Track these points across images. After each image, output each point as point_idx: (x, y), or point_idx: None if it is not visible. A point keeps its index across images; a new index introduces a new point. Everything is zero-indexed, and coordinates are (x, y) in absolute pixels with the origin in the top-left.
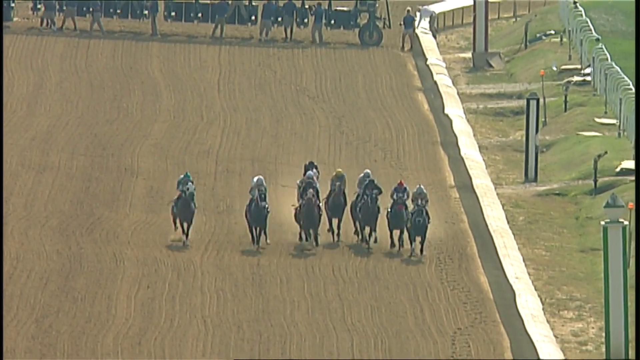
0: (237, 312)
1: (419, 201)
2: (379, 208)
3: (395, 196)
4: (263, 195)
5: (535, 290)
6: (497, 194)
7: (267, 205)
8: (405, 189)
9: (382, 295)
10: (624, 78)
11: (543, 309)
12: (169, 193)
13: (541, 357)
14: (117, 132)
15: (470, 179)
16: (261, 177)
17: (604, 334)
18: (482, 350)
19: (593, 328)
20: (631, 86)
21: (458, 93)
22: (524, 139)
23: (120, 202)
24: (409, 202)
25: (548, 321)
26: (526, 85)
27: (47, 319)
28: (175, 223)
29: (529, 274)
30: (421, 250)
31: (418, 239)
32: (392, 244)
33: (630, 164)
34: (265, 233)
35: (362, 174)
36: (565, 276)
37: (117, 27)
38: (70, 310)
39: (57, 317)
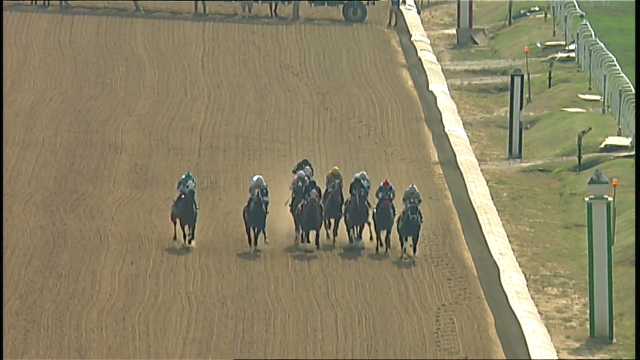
0: (221, 288)
1: (411, 201)
2: (367, 207)
3: (379, 195)
4: (265, 191)
5: (520, 266)
6: (481, 170)
7: (267, 206)
8: (390, 187)
9: (366, 271)
10: (608, 54)
11: (527, 285)
12: (153, 169)
13: (525, 334)
14: (101, 108)
15: (455, 155)
16: (261, 176)
17: (588, 310)
18: (466, 326)
19: (577, 304)
20: (615, 62)
21: (442, 69)
22: (508, 115)
23: (104, 178)
24: (398, 203)
25: (532, 297)
26: (510, 62)
27: (31, 295)
28: (175, 226)
29: (513, 250)
30: (414, 250)
31: (410, 238)
32: (380, 244)
33: (614, 140)
34: (264, 232)
35: (357, 174)
36: (549, 252)
37: (100, 4)
38: (54, 287)
39: (41, 293)
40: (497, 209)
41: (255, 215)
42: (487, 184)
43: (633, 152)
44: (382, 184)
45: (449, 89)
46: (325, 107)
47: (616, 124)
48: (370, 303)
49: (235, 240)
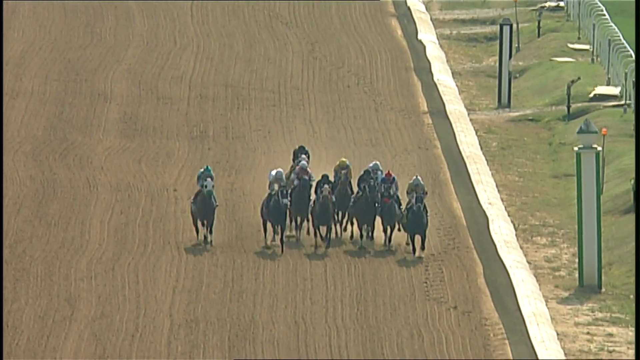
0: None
1: (416, 193)
2: (375, 202)
3: (382, 188)
4: (284, 191)
5: (509, 216)
6: (470, 119)
7: (288, 203)
8: (393, 179)
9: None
10: (597, 3)
11: (516, 235)
12: (142, 118)
13: (514, 283)
14: (91, 58)
15: (444, 104)
16: (280, 170)
17: (577, 260)
18: (455, 276)
19: (566, 254)
20: (605, 12)
21: (431, 19)
22: (497, 64)
23: (93, 127)
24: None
25: (521, 247)
26: (499, 11)
27: (21, 244)
28: (195, 225)
29: (502, 199)
30: (422, 248)
31: (417, 237)
32: (386, 242)
33: (603, 89)
34: (283, 228)
35: (370, 164)
36: (538, 202)
37: None
38: (43, 236)
39: (30, 243)
40: (486, 159)
41: (277, 213)
42: (476, 133)
43: (622, 102)
44: (384, 175)
45: (438, 39)
46: (315, 57)
47: (605, 74)
48: (360, 253)
49: (225, 189)
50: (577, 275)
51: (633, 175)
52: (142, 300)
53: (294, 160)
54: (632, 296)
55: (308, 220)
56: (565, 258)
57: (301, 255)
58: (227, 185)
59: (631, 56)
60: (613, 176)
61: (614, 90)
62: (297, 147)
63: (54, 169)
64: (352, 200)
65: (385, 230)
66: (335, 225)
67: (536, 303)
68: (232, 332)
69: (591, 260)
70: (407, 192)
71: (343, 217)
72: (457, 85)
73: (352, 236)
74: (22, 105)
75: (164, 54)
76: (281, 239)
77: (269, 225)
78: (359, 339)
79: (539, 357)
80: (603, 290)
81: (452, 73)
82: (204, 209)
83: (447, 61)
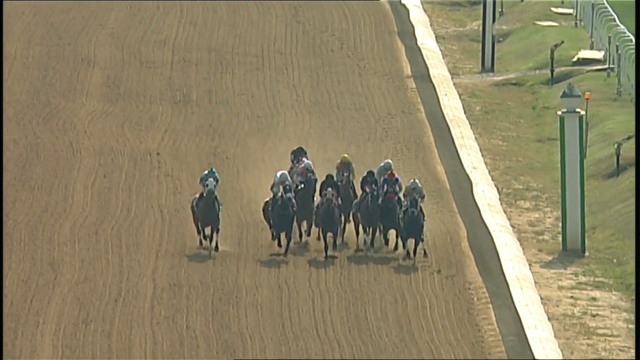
0: None
1: (413, 197)
2: (379, 206)
3: (384, 188)
4: (288, 187)
5: (492, 180)
6: (454, 83)
7: (293, 208)
8: (396, 180)
9: None
10: None
11: (500, 199)
12: (126, 83)
13: (497, 247)
14: (74, 22)
15: (427, 68)
16: (285, 172)
17: (560, 224)
18: (438, 240)
19: (550, 218)
20: None
21: None
22: (481, 28)
23: (77, 91)
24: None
25: (505, 211)
26: None
27: (4, 209)
28: (197, 227)
29: (485, 163)
30: (415, 252)
31: (412, 240)
32: (387, 243)
33: (586, 53)
34: (290, 236)
35: (383, 162)
36: (522, 166)
37: None
38: (27, 200)
39: (13, 207)
40: (470, 123)
41: (281, 219)
42: (460, 97)
43: (605, 66)
44: (386, 175)
45: (421, 2)
46: (298, 21)
47: (589, 38)
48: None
49: (208, 153)
50: (560, 239)
51: (616, 139)
52: (125, 264)
53: (292, 162)
54: (615, 260)
55: (313, 224)
56: (548, 222)
57: None
58: (210, 149)
59: (614, 20)
60: (596, 140)
61: (597, 54)
62: (295, 148)
63: (38, 133)
64: (354, 202)
65: (386, 234)
66: (342, 229)
67: (520, 267)
68: (216, 296)
69: (574, 224)
70: (404, 195)
71: (347, 221)
72: (440, 49)
73: (358, 247)
74: (5, 70)
75: (147, 18)
76: (287, 245)
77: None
78: (342, 303)
79: (523, 321)
80: (586, 254)
81: (436, 37)
82: (207, 214)
83: (431, 25)
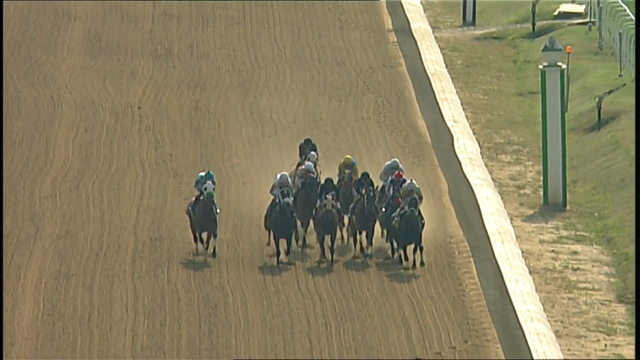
0: (174, 156)
1: (410, 199)
2: (377, 208)
3: (391, 191)
4: (285, 191)
5: (473, 134)
6: (435, 37)
7: (293, 213)
8: (404, 181)
9: (321, 139)
10: None
11: (481, 153)
12: (107, 36)
13: (479, 201)
14: None
15: (408, 22)
16: (285, 173)
17: (541, 178)
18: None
19: (531, 171)
20: None
21: None
22: None
23: (57, 45)
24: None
25: (486, 165)
26: None
27: None
28: (194, 233)
29: (467, 117)
30: (422, 262)
31: (410, 247)
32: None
33: (568, 7)
34: (290, 242)
35: (389, 161)
36: (503, 120)
37: None
38: (7, 154)
39: None
40: (451, 77)
41: (280, 223)
42: (441, 51)
43: (587, 19)
44: (393, 176)
45: None
46: None
47: None
48: (325, 171)
49: (190, 108)
50: (541, 193)
51: (597, 92)
52: (107, 218)
53: (300, 156)
54: (596, 214)
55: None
56: (530, 176)
57: (264, 168)
58: (191, 103)
59: None
60: (578, 94)
61: (579, 8)
62: (302, 140)
63: (18, 87)
64: (350, 206)
65: (391, 242)
66: (341, 231)
67: (501, 221)
68: (197, 250)
69: (556, 178)
70: (401, 197)
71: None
72: (421, 3)
73: (362, 248)
74: None
75: None
76: (287, 251)
77: (271, 233)
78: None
79: (504, 275)
80: (567, 208)
81: None
82: (204, 219)
83: None
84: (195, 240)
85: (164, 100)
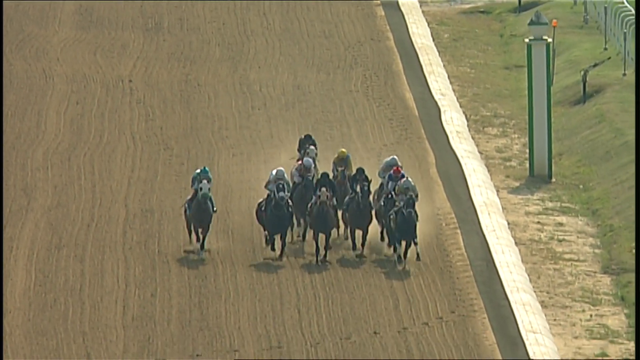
0: (165, 128)
1: (406, 196)
2: (371, 204)
3: (389, 186)
4: (281, 185)
5: (460, 107)
6: (423, 11)
7: (288, 207)
8: (402, 175)
9: (309, 112)
10: None
11: (468, 126)
12: (98, 10)
13: (466, 173)
14: None
15: None
16: (282, 169)
17: (527, 150)
18: (407, 166)
19: (517, 144)
20: None
21: None
22: None
23: (49, 19)
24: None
25: (473, 137)
26: None
27: None
28: (189, 230)
29: (453, 90)
30: (404, 255)
31: (404, 243)
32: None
33: None
34: (285, 237)
35: (388, 158)
36: (489, 93)
37: None
38: None
39: None
40: (438, 50)
41: (275, 219)
42: (429, 25)
43: None
44: (391, 172)
45: None
46: None
47: None
48: None
49: (180, 80)
50: (527, 165)
51: (583, 66)
52: (98, 190)
53: (299, 151)
54: (581, 186)
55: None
56: (516, 148)
57: (254, 140)
58: (181, 76)
59: None
60: (563, 67)
61: None
62: (302, 136)
63: (10, 60)
64: (344, 201)
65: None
66: (338, 229)
67: (487, 193)
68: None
69: (541, 151)
70: (397, 194)
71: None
72: None
73: (354, 246)
74: None
75: None
76: (282, 248)
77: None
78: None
79: (490, 247)
80: (553, 180)
81: None
82: (199, 215)
83: None
84: (190, 235)
85: (154, 73)
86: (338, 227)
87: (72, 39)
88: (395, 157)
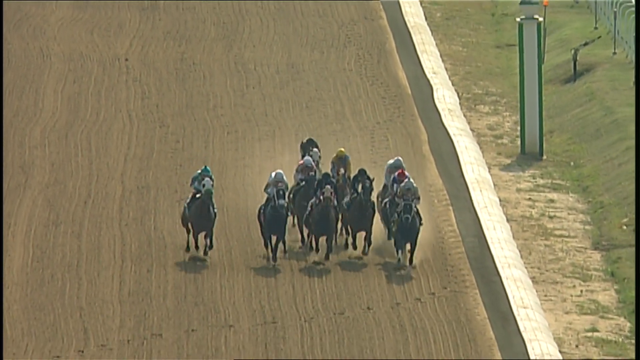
0: (161, 106)
1: (407, 198)
2: (373, 204)
3: (394, 188)
4: (281, 192)
5: (452, 85)
6: None
7: (287, 210)
8: (408, 178)
9: (303, 91)
10: None
11: (460, 104)
12: None
13: (458, 151)
14: None
15: None
16: (280, 171)
17: (519, 128)
18: (400, 144)
19: (508, 122)
20: None
21: None
22: None
23: None
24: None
25: (465, 115)
26: None
27: None
28: (188, 232)
29: (446, 69)
30: (410, 260)
31: (407, 246)
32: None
33: None
34: (284, 243)
35: (392, 160)
36: (481, 71)
37: None
38: None
39: None
40: (431, 29)
41: (273, 220)
42: (421, 4)
43: None
44: (396, 174)
45: None
46: None
47: None
48: (307, 122)
49: (175, 59)
50: (519, 142)
51: (573, 45)
52: (95, 167)
53: (303, 156)
54: (572, 163)
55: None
56: (507, 126)
57: (249, 119)
58: (177, 55)
59: None
60: (554, 46)
61: None
62: (304, 140)
63: (8, 39)
64: (344, 202)
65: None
66: (339, 231)
67: (479, 170)
68: (183, 198)
69: (533, 128)
70: (398, 196)
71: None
72: None
73: (355, 246)
74: None
75: None
76: (275, 251)
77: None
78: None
79: (482, 223)
80: (544, 157)
81: None
82: (200, 219)
83: None
84: (188, 240)
85: (150, 52)
86: (337, 233)
87: (69, 18)
88: (399, 158)
